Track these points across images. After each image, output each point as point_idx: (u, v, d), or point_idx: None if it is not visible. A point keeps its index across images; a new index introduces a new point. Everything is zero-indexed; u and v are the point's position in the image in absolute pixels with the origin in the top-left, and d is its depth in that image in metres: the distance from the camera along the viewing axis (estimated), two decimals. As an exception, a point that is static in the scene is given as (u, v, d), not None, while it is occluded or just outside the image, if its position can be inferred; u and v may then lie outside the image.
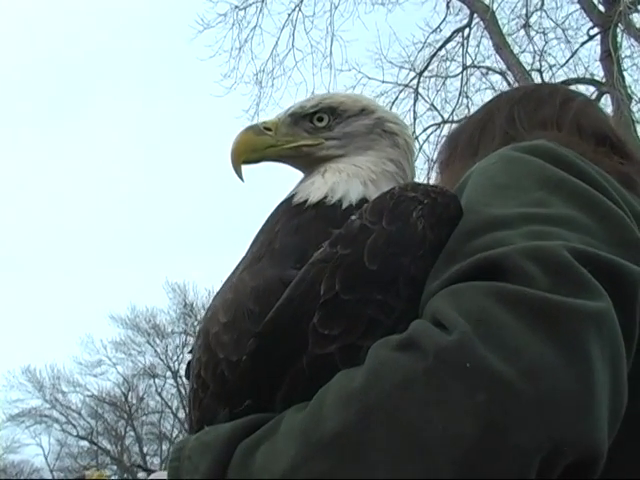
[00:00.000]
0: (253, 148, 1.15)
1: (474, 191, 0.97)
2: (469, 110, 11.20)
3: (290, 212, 1.08)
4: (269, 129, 1.16)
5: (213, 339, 1.01)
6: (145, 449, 28.55)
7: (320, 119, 1.16)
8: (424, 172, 9.35)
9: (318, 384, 0.83)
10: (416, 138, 11.55)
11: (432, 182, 1.49)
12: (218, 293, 1.11)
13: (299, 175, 1.20)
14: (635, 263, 0.86)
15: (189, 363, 1.22)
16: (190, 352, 1.24)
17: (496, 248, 0.83)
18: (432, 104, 12.06)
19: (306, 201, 1.08)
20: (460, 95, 11.91)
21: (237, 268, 1.10)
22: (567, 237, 0.85)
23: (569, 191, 0.94)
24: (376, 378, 0.77)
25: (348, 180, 1.10)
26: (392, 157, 1.15)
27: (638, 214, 0.98)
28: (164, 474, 1.16)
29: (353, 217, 0.94)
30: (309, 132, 1.16)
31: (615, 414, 0.77)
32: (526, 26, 11.72)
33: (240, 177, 1.16)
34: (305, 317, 0.89)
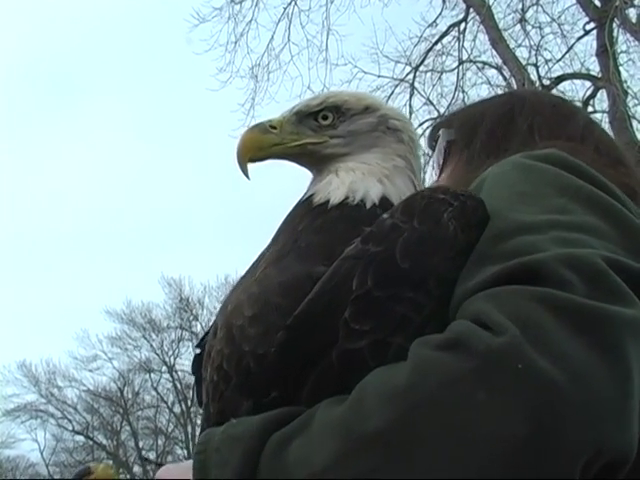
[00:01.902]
0: (259, 146, 1.16)
1: (495, 197, 0.98)
2: (465, 105, 11.18)
3: (312, 213, 1.09)
4: (274, 127, 1.17)
5: (237, 332, 1.01)
6: (141, 444, 28.52)
7: (325, 117, 1.17)
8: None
9: (346, 379, 0.84)
10: (412, 133, 11.55)
11: (427, 175, 1.51)
12: (235, 289, 1.12)
13: (301, 171, 1.22)
14: None
15: (196, 357, 1.23)
16: (197, 346, 1.25)
17: (529, 253, 0.85)
18: (428, 99, 12.09)
19: (327, 201, 1.09)
20: (456, 90, 11.94)
21: (255, 267, 1.11)
22: (592, 244, 0.88)
23: (587, 199, 0.96)
24: (422, 376, 0.78)
25: (364, 179, 1.11)
26: (399, 153, 1.16)
27: None
28: (173, 468, 1.15)
29: (384, 216, 0.96)
30: (314, 130, 1.17)
31: None
32: (522, 21, 11.73)
33: (246, 175, 1.17)
34: (336, 311, 0.90)
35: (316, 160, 1.17)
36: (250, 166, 1.17)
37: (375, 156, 1.14)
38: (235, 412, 0.97)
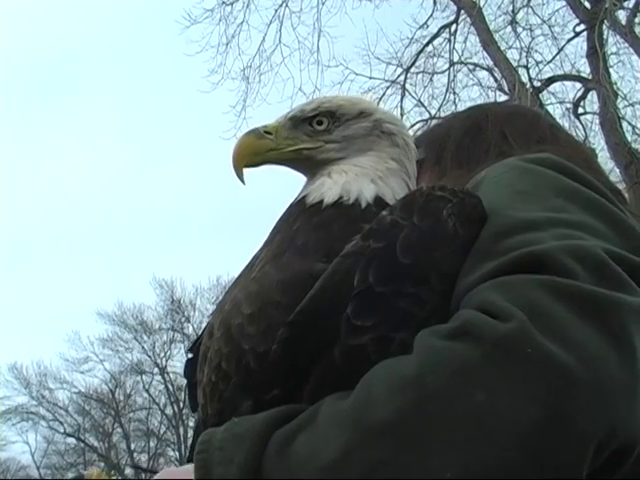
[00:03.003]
0: (255, 152, 1.17)
1: (495, 196, 1.00)
2: (456, 106, 11.25)
3: (307, 212, 1.09)
4: (270, 133, 1.17)
5: (236, 330, 1.01)
6: (132, 446, 28.46)
7: (320, 122, 1.17)
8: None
9: (349, 375, 0.85)
10: (403, 134, 11.55)
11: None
12: (232, 289, 1.12)
13: (293, 174, 1.22)
14: None
15: (188, 361, 1.22)
16: (190, 350, 1.23)
17: (533, 245, 0.87)
18: (419, 100, 12.12)
19: (322, 201, 1.09)
20: (447, 91, 11.97)
21: (251, 266, 1.10)
22: (592, 241, 0.89)
23: (584, 200, 0.98)
24: (432, 365, 0.79)
25: (357, 179, 1.12)
26: (393, 156, 1.16)
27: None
28: (173, 470, 1.16)
29: (384, 212, 0.96)
30: (309, 135, 1.17)
31: None
32: (513, 22, 11.77)
33: (242, 180, 1.17)
34: (338, 308, 0.90)
35: (311, 165, 1.17)
36: (246, 171, 1.17)
37: (369, 159, 1.15)
38: (235, 412, 0.96)
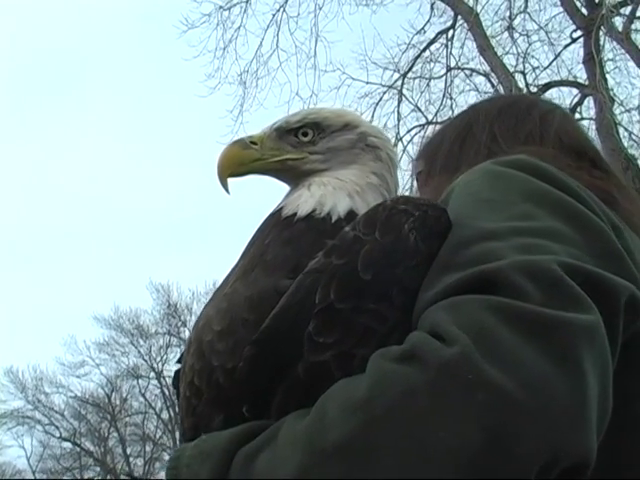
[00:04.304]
0: (239, 162, 1.18)
1: (460, 205, 0.99)
2: (453, 111, 11.25)
3: (280, 225, 1.10)
4: (255, 143, 1.18)
5: (207, 347, 1.03)
6: (128, 450, 28.38)
7: (305, 134, 1.18)
8: (408, 173, 9.39)
9: (314, 391, 0.85)
10: (400, 139, 11.61)
11: (415, 186, 1.52)
12: (208, 304, 1.13)
13: (284, 186, 1.22)
14: (616, 273, 0.89)
15: (177, 372, 1.23)
16: (178, 362, 1.25)
17: (488, 260, 0.86)
18: (416, 105, 12.11)
19: (295, 214, 1.10)
20: (444, 96, 11.98)
21: (227, 280, 1.12)
22: (554, 250, 0.88)
23: (553, 203, 0.97)
24: (380, 389, 0.79)
25: (334, 193, 1.12)
26: (375, 170, 1.17)
27: (617, 227, 1.01)
28: None
29: (347, 228, 0.96)
30: (294, 146, 1.18)
31: (602, 422, 0.81)
32: (510, 28, 11.79)
33: (226, 190, 1.18)
34: (301, 325, 0.91)
35: (295, 175, 1.18)
36: (231, 181, 1.18)
37: (351, 172, 1.16)
38: (208, 427, 0.98)
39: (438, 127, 1.75)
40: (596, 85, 10.20)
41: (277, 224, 1.11)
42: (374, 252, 0.91)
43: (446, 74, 12.09)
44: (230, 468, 0.86)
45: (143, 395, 28.39)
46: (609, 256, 0.93)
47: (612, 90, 10.90)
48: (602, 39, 10.91)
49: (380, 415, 0.77)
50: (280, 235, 1.08)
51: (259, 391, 0.94)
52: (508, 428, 0.75)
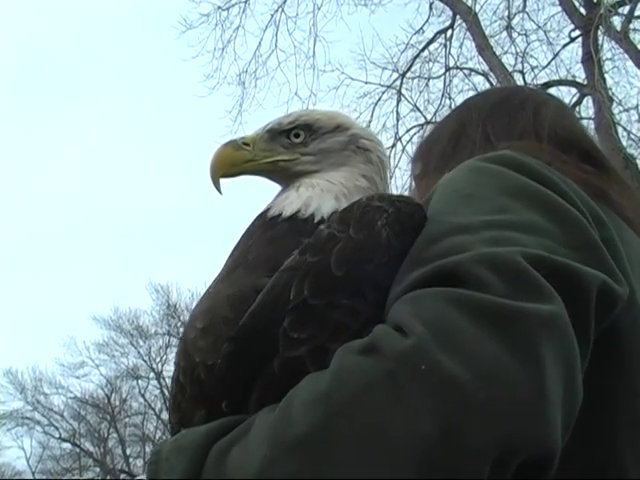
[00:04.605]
0: (232, 163, 1.19)
1: (440, 202, 1.00)
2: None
3: (264, 225, 1.12)
4: (247, 144, 1.20)
5: (190, 344, 1.05)
6: (128, 451, 28.41)
7: (297, 135, 1.19)
8: (408, 172, 9.39)
9: (289, 386, 0.86)
10: (399, 139, 11.64)
11: (413, 187, 1.52)
12: (197, 304, 1.15)
13: (276, 187, 1.23)
14: (593, 265, 0.89)
15: None
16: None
17: (455, 253, 0.86)
18: (415, 105, 12.14)
19: (280, 214, 1.12)
20: (443, 96, 11.99)
21: (215, 280, 1.14)
22: (526, 242, 0.88)
23: (530, 196, 0.97)
24: (340, 381, 0.80)
25: (321, 195, 1.14)
26: (365, 173, 1.18)
27: (600, 219, 1.01)
28: None
29: (322, 227, 0.98)
30: (286, 148, 1.20)
31: (569, 415, 0.81)
32: (508, 28, 11.81)
33: (219, 191, 1.20)
34: (276, 322, 0.93)
35: (287, 177, 1.20)
36: (223, 182, 1.20)
37: (340, 174, 1.17)
38: (190, 422, 1.01)
39: (431, 127, 1.74)
40: (595, 84, 10.22)
41: (262, 224, 1.13)
42: (347, 249, 0.93)
43: (445, 74, 12.12)
44: (205, 462, 0.87)
45: (143, 396, 28.40)
46: (586, 247, 0.92)
47: (611, 89, 10.93)
48: (600, 38, 10.93)
49: (338, 407, 0.78)
50: (263, 235, 1.10)
51: (238, 387, 0.95)
52: (458, 419, 0.74)
